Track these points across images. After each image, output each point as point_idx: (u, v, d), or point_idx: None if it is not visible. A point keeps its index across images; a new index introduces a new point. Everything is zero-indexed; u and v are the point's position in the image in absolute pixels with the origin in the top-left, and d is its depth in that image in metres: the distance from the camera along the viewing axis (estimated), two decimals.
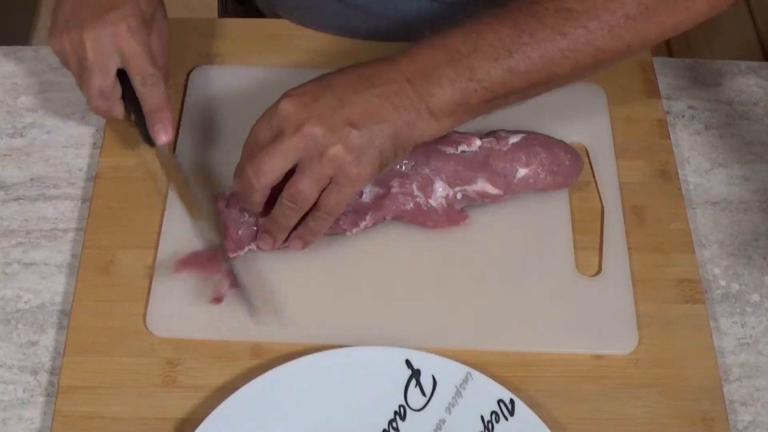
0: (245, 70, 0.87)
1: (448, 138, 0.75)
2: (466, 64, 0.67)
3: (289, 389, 0.67)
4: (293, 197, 0.67)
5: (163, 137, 0.74)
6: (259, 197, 0.69)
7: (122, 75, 0.74)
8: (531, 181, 0.76)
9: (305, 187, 0.67)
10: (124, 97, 0.76)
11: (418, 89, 0.67)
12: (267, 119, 0.68)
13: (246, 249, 0.73)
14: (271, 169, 0.67)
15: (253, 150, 0.68)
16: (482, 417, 0.66)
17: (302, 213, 0.69)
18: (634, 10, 0.67)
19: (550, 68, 0.68)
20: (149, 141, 0.76)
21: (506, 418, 0.66)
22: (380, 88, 0.66)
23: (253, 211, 0.71)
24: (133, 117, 0.76)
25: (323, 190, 0.67)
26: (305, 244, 0.72)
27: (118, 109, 0.77)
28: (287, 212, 0.69)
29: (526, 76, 0.68)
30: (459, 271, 0.75)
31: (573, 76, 0.70)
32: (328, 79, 0.68)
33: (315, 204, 0.68)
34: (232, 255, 0.73)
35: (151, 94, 0.74)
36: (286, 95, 0.67)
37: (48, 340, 0.72)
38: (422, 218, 0.75)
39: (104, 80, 0.74)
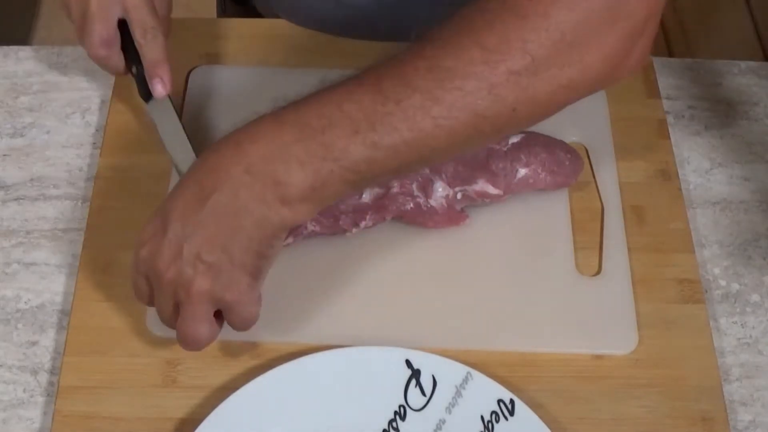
0: (245, 70, 0.87)
1: None
2: (319, 140, 0.58)
3: (289, 389, 0.67)
4: (194, 340, 0.63)
5: (161, 90, 0.74)
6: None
7: (124, 27, 0.75)
8: (531, 181, 0.76)
9: (200, 333, 0.63)
10: (125, 49, 0.76)
11: (261, 178, 0.59)
12: (133, 264, 0.64)
13: None
14: (164, 316, 0.64)
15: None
16: (482, 417, 0.66)
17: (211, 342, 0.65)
18: (518, 63, 0.58)
19: (422, 141, 0.59)
20: (146, 96, 0.76)
21: (506, 418, 0.66)
22: (213, 197, 0.59)
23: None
24: (134, 70, 0.77)
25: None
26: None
27: (118, 60, 0.77)
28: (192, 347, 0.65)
29: (393, 151, 0.59)
30: (459, 271, 0.75)
31: (451, 149, 0.62)
32: (167, 205, 0.62)
33: (232, 325, 0.65)
34: None
35: (150, 46, 0.74)
36: (140, 239, 0.63)
37: (48, 340, 0.72)
38: (422, 218, 0.75)
39: (105, 29, 0.74)
